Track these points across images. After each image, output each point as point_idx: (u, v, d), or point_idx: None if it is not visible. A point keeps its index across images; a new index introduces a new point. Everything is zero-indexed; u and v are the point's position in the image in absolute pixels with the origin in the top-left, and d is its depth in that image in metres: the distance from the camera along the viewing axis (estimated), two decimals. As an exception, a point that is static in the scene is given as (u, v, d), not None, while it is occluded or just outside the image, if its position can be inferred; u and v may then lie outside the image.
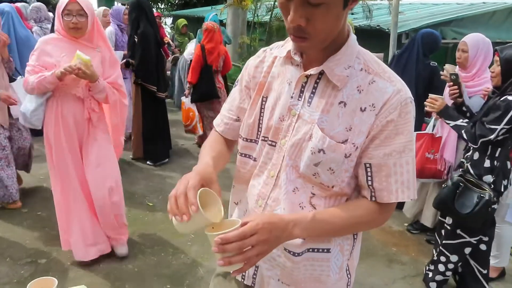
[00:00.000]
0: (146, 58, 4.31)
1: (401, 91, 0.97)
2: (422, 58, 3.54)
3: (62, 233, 2.70)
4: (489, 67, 3.05)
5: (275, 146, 1.07)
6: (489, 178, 2.35)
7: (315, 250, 1.09)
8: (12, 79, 3.23)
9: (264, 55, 1.15)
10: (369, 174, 1.01)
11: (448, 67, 2.98)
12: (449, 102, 3.11)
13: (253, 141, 1.13)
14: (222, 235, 0.86)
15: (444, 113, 2.54)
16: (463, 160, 2.51)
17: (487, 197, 2.27)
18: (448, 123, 2.50)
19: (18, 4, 5.67)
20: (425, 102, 2.65)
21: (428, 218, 3.37)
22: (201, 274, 2.77)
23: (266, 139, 1.09)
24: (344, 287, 1.17)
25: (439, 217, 2.68)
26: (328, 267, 1.11)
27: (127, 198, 3.73)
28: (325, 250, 1.09)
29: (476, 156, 2.39)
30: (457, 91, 2.65)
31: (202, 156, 1.13)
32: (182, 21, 7.43)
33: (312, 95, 1.01)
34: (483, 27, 7.56)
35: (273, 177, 1.07)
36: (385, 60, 4.70)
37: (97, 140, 2.58)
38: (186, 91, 4.83)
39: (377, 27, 6.78)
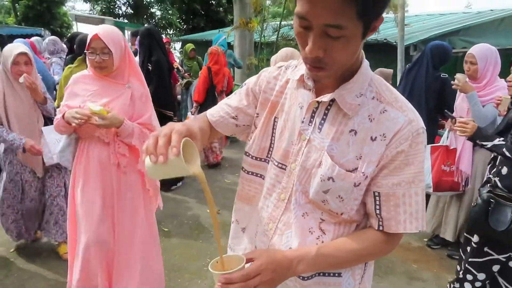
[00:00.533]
0: (161, 85, 4.39)
1: (413, 121, 0.96)
2: (432, 70, 3.51)
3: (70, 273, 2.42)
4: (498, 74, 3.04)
5: (285, 169, 1.07)
6: None
7: (326, 274, 1.07)
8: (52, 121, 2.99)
9: (279, 73, 1.14)
10: (377, 202, 1.00)
11: (459, 76, 2.95)
12: (463, 111, 3.08)
13: (263, 160, 1.13)
14: (226, 275, 0.87)
15: (479, 136, 2.42)
16: (490, 176, 2.39)
17: None
18: (485, 145, 2.37)
19: (32, 39, 5.86)
20: (454, 127, 2.55)
21: (449, 232, 3.30)
22: (219, 299, 2.74)
23: (274, 160, 1.09)
24: None
25: (465, 234, 2.56)
26: None
27: (142, 225, 3.76)
28: (336, 274, 1.08)
29: (504, 171, 2.29)
30: (467, 129, 2.47)
31: (187, 122, 1.06)
32: (189, 46, 7.54)
33: (322, 121, 1.01)
34: (493, 34, 7.50)
35: (284, 200, 1.07)
36: (393, 74, 4.68)
37: (130, 194, 2.29)
38: (193, 109, 5.00)
39: (384, 41, 6.79)
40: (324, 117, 1.01)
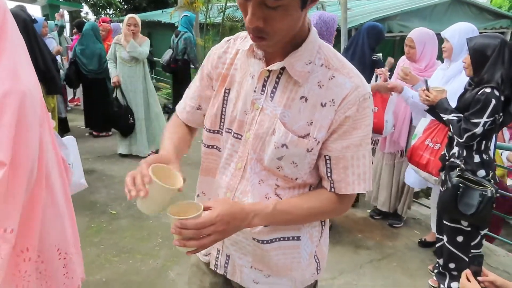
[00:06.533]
0: None
1: (359, 87, 1.00)
2: (369, 51, 3.63)
3: None
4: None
5: (240, 139, 1.09)
6: (482, 172, 2.35)
7: (286, 238, 1.12)
8: None
9: (228, 46, 1.15)
10: (328, 166, 1.05)
11: (404, 69, 2.98)
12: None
13: (217, 131, 1.15)
14: (182, 220, 0.90)
15: (440, 106, 2.46)
16: (453, 160, 2.45)
17: (489, 194, 2.24)
18: (443, 117, 2.45)
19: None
20: (419, 93, 2.60)
21: (384, 203, 3.49)
22: (172, 277, 2.73)
23: (230, 131, 1.10)
24: (314, 271, 1.21)
25: (446, 222, 2.53)
26: (299, 254, 1.14)
27: (88, 208, 3.63)
28: (295, 238, 1.13)
29: (464, 153, 2.39)
30: (428, 97, 2.52)
31: (163, 142, 1.15)
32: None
33: (274, 89, 1.03)
34: (426, 19, 7.94)
35: (240, 169, 1.09)
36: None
37: None
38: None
39: (328, 23, 6.96)
40: (276, 85, 1.03)
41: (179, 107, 1.27)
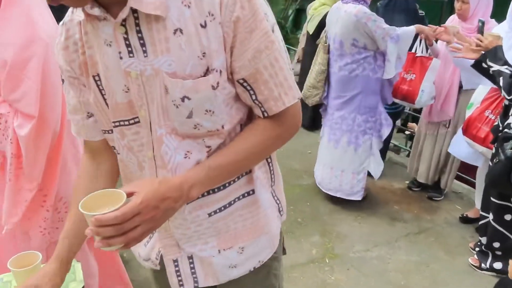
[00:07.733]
0: None
1: None
2: (411, 5, 3.38)
3: None
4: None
5: (139, 121, 0.89)
6: None
7: (239, 197, 0.98)
8: None
9: (67, 28, 0.89)
10: (249, 89, 0.87)
11: (451, 28, 2.75)
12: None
13: (109, 131, 0.95)
14: (98, 216, 0.73)
15: (491, 53, 2.20)
16: (508, 131, 2.20)
17: None
18: (491, 67, 2.19)
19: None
20: (472, 38, 2.36)
21: (422, 173, 3.30)
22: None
23: (122, 122, 0.91)
24: (277, 213, 1.08)
25: (494, 200, 2.39)
26: (262, 206, 1.01)
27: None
28: (251, 192, 0.99)
29: None
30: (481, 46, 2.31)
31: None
32: None
33: (141, 41, 0.81)
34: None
35: (151, 158, 0.91)
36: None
37: None
38: None
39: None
40: (140, 35, 0.80)
41: (73, 129, 1.02)
